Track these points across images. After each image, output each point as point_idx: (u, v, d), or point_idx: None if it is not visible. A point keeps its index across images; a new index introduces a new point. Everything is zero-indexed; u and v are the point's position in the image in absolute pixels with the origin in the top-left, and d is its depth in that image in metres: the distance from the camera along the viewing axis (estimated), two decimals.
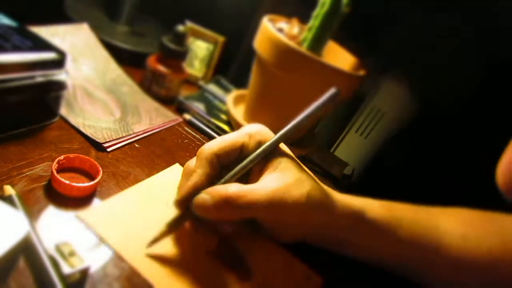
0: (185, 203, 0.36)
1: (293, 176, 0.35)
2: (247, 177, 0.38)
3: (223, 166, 0.37)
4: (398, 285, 0.45)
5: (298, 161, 0.39)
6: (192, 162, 0.37)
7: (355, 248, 0.42)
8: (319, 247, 0.42)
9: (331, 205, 0.38)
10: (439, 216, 0.43)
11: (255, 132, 0.38)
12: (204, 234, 0.40)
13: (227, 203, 0.33)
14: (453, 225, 0.42)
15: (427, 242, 0.41)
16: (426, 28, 0.64)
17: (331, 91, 0.36)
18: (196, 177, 0.35)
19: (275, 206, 0.34)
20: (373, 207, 0.41)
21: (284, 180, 0.35)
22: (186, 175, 0.37)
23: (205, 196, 0.34)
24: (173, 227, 0.35)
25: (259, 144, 0.37)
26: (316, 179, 0.39)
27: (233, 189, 0.34)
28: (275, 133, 0.38)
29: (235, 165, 0.36)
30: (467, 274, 0.41)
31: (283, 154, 0.38)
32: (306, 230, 0.40)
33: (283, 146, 0.39)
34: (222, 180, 0.36)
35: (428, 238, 0.41)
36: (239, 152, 0.37)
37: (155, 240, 0.35)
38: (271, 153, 0.37)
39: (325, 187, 0.40)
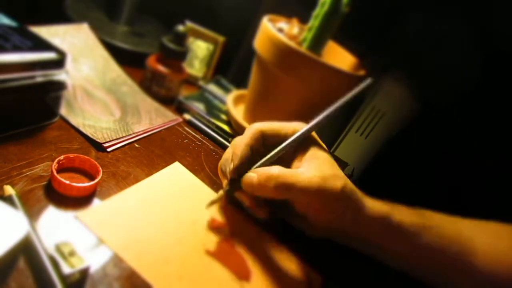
0: (235, 171, 0.41)
1: (330, 169, 0.39)
2: (286, 165, 0.41)
3: (266, 148, 0.42)
4: (399, 285, 0.45)
5: (329, 153, 0.42)
6: (240, 137, 0.44)
7: (381, 249, 0.42)
8: (344, 244, 0.43)
9: (362, 203, 0.40)
10: (468, 226, 0.43)
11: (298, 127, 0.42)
12: (203, 234, 0.40)
13: (271, 180, 0.37)
14: (483, 236, 0.42)
15: (456, 249, 0.41)
16: (426, 28, 0.64)
17: (366, 81, 0.41)
18: (241, 148, 0.41)
19: (313, 191, 0.37)
20: (402, 211, 0.41)
21: (322, 170, 0.38)
22: (233, 146, 0.43)
23: (252, 174, 0.39)
24: (228, 192, 0.43)
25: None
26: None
27: (276, 170, 0.38)
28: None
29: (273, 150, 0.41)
30: (493, 286, 0.41)
31: (317, 144, 0.42)
32: (335, 224, 0.41)
33: (315, 136, 0.43)
34: (263, 160, 0.41)
35: (457, 246, 0.41)
36: (281, 138, 0.42)
37: (213, 202, 0.42)
38: (306, 140, 0.41)
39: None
